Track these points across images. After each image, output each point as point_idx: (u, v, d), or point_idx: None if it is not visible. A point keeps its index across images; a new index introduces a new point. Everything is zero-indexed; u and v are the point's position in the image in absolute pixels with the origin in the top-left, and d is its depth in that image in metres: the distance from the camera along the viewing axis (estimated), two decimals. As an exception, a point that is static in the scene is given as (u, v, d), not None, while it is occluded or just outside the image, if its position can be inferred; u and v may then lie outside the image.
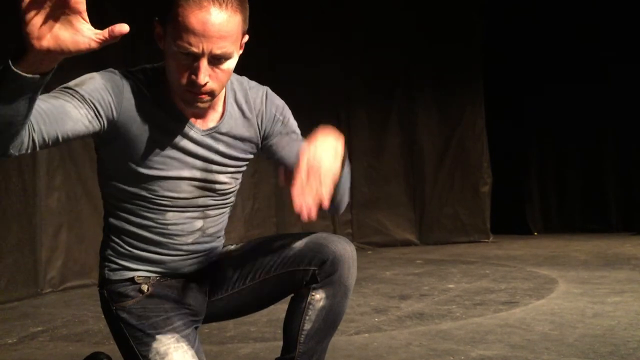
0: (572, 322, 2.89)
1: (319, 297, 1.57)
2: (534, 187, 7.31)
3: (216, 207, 1.64)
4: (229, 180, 1.63)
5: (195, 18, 1.35)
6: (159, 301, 1.58)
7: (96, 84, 1.42)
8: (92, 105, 1.40)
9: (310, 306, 1.57)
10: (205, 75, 1.40)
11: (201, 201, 1.60)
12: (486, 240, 6.48)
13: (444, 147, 6.57)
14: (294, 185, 1.30)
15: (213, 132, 1.56)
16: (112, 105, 1.44)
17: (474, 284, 4.05)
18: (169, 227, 1.58)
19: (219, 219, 1.67)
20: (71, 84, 1.41)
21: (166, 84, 1.50)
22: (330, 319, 1.60)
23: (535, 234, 7.14)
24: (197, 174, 1.57)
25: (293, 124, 1.68)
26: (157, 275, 1.63)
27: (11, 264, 4.00)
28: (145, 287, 1.59)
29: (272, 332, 2.89)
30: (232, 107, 1.60)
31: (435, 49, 6.47)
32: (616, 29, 6.67)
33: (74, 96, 1.38)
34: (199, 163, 1.56)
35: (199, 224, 1.62)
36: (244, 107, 1.61)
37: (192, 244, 1.63)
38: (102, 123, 1.43)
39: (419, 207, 6.54)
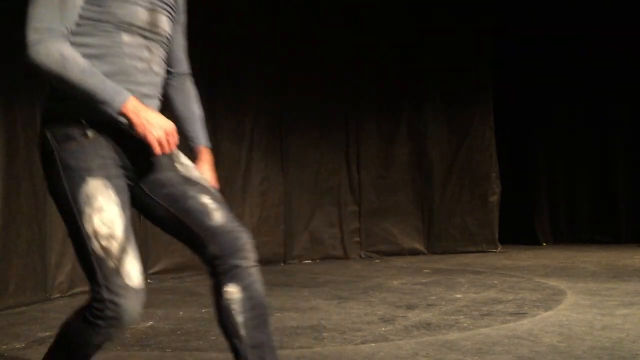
0: (581, 334, 2.87)
1: (234, 291, 1.67)
2: (543, 197, 7.28)
3: (158, 46, 1.77)
4: (167, 23, 1.78)
5: None
6: (98, 148, 1.64)
7: None
8: None
9: (232, 301, 1.66)
10: None
11: (148, 34, 1.72)
12: (494, 250, 6.45)
13: (452, 158, 6.56)
14: None
15: None
16: None
17: (482, 294, 4.04)
18: (124, 47, 1.67)
19: (159, 60, 1.78)
20: None
21: None
22: (257, 305, 1.68)
23: (544, 244, 7.10)
24: (148, 4, 1.71)
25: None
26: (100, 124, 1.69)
27: (20, 269, 4.02)
28: (90, 133, 1.64)
29: (277, 340, 2.88)
30: None
31: (444, 60, 6.47)
32: (627, 40, 6.65)
33: None
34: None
35: (146, 53, 1.73)
36: None
37: (144, 83, 1.71)
38: None
39: (427, 216, 6.54)
